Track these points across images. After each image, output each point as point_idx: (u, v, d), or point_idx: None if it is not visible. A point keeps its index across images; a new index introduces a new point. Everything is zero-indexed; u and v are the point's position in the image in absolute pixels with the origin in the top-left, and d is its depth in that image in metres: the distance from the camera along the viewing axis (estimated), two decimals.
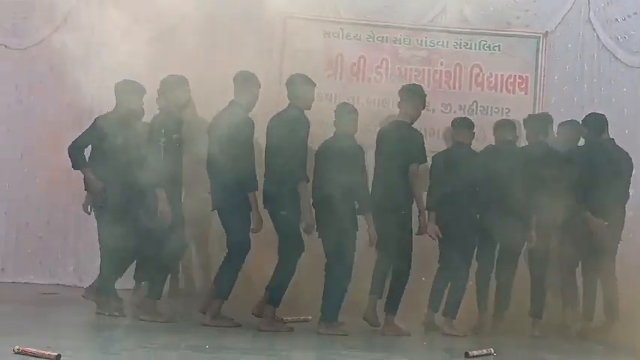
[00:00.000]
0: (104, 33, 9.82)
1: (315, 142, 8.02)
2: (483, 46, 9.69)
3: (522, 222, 8.07)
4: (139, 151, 7.70)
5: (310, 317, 7.91)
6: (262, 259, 7.94)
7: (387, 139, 8.00)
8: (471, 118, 8.88)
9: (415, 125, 8.15)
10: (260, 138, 7.98)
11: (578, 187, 8.09)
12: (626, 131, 9.79)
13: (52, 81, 9.87)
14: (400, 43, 9.60)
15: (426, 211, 7.93)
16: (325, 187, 7.61)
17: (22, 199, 9.94)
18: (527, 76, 9.64)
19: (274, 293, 7.58)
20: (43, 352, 5.65)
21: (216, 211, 7.84)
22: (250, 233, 7.64)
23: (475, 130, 8.42)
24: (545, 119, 8.78)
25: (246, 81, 7.80)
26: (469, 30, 9.80)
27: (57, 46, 9.89)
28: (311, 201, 7.65)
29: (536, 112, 9.39)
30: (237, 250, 7.59)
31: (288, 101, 7.89)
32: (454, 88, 9.58)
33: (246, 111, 7.72)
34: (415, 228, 8.00)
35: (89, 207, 8.20)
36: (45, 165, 9.90)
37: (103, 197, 7.86)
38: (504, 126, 8.52)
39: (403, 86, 8.27)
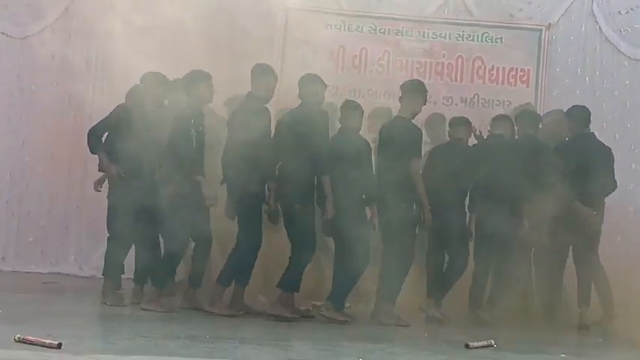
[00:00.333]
0: (105, 22, 9.82)
1: None
2: (485, 38, 9.69)
3: (514, 212, 8.13)
4: (169, 139, 7.74)
5: None
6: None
7: (387, 134, 8.02)
8: (472, 110, 8.92)
9: (416, 118, 8.15)
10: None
11: (567, 178, 8.09)
12: (628, 124, 9.84)
13: (53, 70, 9.86)
14: (402, 35, 9.62)
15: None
16: (334, 183, 7.73)
17: (23, 188, 9.95)
18: (529, 69, 9.65)
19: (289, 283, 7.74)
20: (44, 340, 5.65)
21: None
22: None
23: (472, 125, 8.44)
24: (534, 114, 8.83)
25: (262, 73, 7.88)
26: (471, 22, 9.83)
27: (58, 35, 9.93)
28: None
29: (538, 105, 9.43)
30: (250, 243, 7.68)
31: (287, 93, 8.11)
32: (456, 80, 9.60)
33: (263, 103, 7.81)
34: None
35: (99, 185, 8.22)
36: (46, 154, 9.93)
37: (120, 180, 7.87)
38: (498, 120, 8.52)
39: (405, 82, 8.27)
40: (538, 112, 9.08)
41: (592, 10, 9.93)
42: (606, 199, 8.44)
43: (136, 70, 8.13)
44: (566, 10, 9.93)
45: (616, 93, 9.93)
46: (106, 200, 8.05)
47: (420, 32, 9.65)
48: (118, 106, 8.09)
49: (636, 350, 7.11)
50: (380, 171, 8.00)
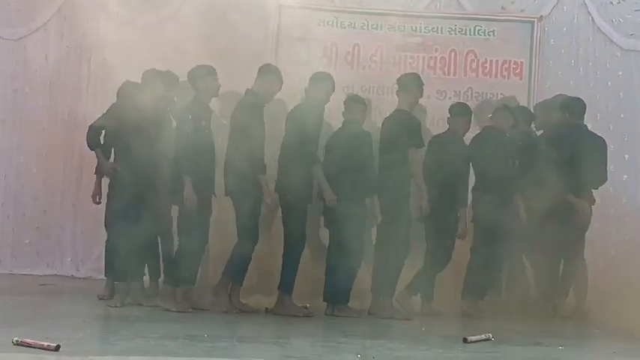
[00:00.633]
0: (98, 22, 9.82)
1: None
2: (478, 31, 9.69)
3: (509, 205, 8.18)
4: (160, 136, 7.76)
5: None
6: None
7: (386, 127, 8.11)
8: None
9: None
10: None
11: (561, 170, 8.11)
12: (622, 115, 9.84)
13: (47, 71, 9.85)
14: (395, 30, 9.61)
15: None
16: (336, 176, 7.83)
17: (18, 189, 9.94)
18: (521, 62, 9.65)
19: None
20: (42, 342, 5.64)
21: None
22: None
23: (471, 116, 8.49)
24: (526, 110, 8.93)
25: (265, 72, 7.98)
26: (463, 15, 9.83)
27: (52, 36, 9.92)
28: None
29: (532, 97, 9.45)
30: (250, 236, 7.72)
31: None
32: (449, 74, 9.60)
33: (259, 100, 7.85)
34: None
35: (97, 197, 8.29)
36: (41, 155, 9.94)
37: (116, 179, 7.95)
38: (499, 111, 8.53)
39: (401, 75, 8.34)
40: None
41: (584, 1, 9.93)
42: (599, 191, 8.46)
43: (130, 69, 8.11)
44: (558, 2, 9.93)
45: (609, 84, 9.93)
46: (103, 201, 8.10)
47: (412, 27, 9.65)
48: (114, 103, 8.11)
49: (633, 340, 7.14)
50: (381, 163, 8.06)
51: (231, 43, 9.70)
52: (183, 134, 7.71)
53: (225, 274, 7.82)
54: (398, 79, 8.24)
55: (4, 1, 9.93)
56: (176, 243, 7.89)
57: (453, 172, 8.17)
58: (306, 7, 9.50)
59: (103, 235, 8.34)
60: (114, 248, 7.95)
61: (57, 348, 5.59)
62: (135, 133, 7.75)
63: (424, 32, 9.65)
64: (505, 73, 9.62)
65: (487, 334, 6.93)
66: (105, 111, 8.24)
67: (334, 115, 8.30)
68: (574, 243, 8.33)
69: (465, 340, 6.76)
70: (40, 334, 5.92)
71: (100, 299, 8.07)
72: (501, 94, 9.39)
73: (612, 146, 8.80)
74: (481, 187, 8.29)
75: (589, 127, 8.60)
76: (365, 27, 9.59)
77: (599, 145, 8.43)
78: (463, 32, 9.66)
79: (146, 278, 8.21)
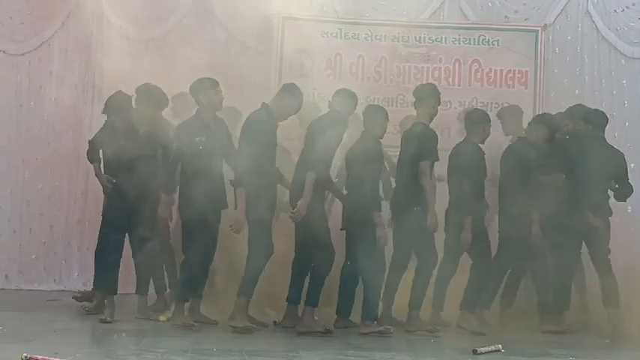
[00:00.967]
0: (102, 37, 9.84)
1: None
2: (482, 41, 9.67)
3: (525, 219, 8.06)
4: (143, 155, 7.79)
5: None
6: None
7: (405, 140, 8.06)
8: None
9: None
10: None
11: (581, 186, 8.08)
12: (627, 124, 9.87)
13: (51, 86, 9.86)
14: (399, 41, 9.59)
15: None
16: (348, 189, 7.81)
17: (24, 205, 9.91)
18: (526, 71, 9.62)
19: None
20: (51, 358, 5.64)
21: None
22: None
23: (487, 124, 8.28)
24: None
25: (286, 91, 7.82)
26: (467, 25, 9.83)
27: (55, 51, 9.93)
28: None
29: (537, 106, 9.42)
30: (263, 251, 7.53)
31: None
32: (453, 84, 9.57)
33: (274, 116, 7.66)
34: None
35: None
36: (46, 170, 9.92)
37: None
38: (533, 123, 8.40)
39: (417, 87, 8.26)
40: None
41: (588, 10, 9.96)
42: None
43: (133, 83, 8.11)
44: (561, 11, 9.96)
45: (614, 92, 9.96)
46: None
47: (416, 37, 9.64)
48: (107, 118, 8.13)
49: None
50: (397, 174, 8.04)
51: (235, 56, 9.73)
52: (183, 148, 7.65)
53: (241, 293, 7.56)
54: (414, 91, 8.14)
55: (8, 17, 9.93)
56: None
57: (469, 182, 8.00)
58: (309, 19, 9.48)
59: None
60: (104, 260, 7.97)
61: None
62: (124, 148, 7.78)
63: (428, 42, 9.63)
64: (510, 83, 9.60)
65: (497, 346, 6.91)
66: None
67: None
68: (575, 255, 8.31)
69: (474, 352, 6.74)
70: (50, 349, 5.93)
71: (87, 312, 8.05)
72: (506, 103, 9.28)
73: None
74: (508, 200, 8.12)
75: None
76: (369, 38, 9.58)
77: (620, 158, 8.38)
78: (467, 42, 9.65)
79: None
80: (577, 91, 9.80)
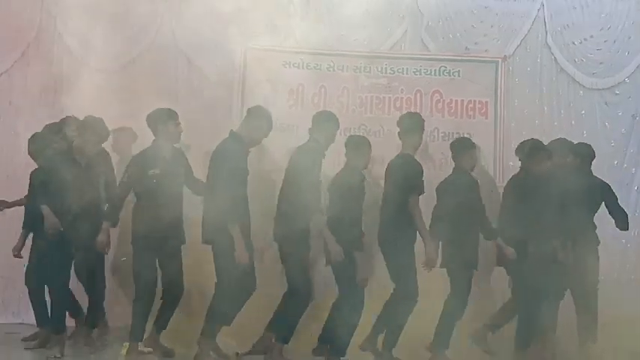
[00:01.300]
0: (62, 67, 9.76)
1: (277, 173, 8.06)
2: (443, 72, 9.73)
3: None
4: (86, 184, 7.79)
5: None
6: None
7: (389, 171, 7.91)
8: (433, 144, 8.92)
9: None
10: None
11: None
12: None
13: (11, 116, 9.75)
14: (360, 72, 9.64)
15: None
16: (329, 224, 7.53)
17: None
18: (487, 101, 9.68)
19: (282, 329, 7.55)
20: None
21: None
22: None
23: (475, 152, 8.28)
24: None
25: (253, 116, 7.59)
26: (429, 56, 9.87)
27: (15, 82, 9.83)
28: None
29: (498, 136, 9.49)
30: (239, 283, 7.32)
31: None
32: None
33: (243, 144, 7.47)
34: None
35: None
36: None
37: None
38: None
39: (401, 116, 8.16)
40: None
41: (546, 42, 10.05)
42: None
43: (94, 113, 8.06)
44: (521, 42, 10.03)
45: (573, 122, 10.03)
46: None
47: (377, 68, 9.68)
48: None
49: None
50: (383, 207, 7.84)
51: (198, 87, 9.69)
52: (134, 181, 7.56)
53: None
54: (398, 121, 8.04)
55: None
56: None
57: (469, 214, 7.91)
58: (271, 49, 9.51)
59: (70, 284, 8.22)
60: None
61: None
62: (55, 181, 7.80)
63: (390, 73, 9.68)
64: (471, 113, 9.65)
65: None
66: None
67: None
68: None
69: None
70: None
71: (27, 348, 8.05)
72: (468, 133, 9.29)
73: None
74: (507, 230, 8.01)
75: None
76: (331, 69, 9.61)
77: (608, 189, 8.45)
78: (428, 73, 9.71)
79: None
80: (537, 122, 9.86)
